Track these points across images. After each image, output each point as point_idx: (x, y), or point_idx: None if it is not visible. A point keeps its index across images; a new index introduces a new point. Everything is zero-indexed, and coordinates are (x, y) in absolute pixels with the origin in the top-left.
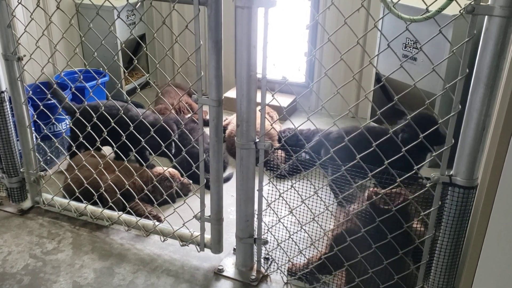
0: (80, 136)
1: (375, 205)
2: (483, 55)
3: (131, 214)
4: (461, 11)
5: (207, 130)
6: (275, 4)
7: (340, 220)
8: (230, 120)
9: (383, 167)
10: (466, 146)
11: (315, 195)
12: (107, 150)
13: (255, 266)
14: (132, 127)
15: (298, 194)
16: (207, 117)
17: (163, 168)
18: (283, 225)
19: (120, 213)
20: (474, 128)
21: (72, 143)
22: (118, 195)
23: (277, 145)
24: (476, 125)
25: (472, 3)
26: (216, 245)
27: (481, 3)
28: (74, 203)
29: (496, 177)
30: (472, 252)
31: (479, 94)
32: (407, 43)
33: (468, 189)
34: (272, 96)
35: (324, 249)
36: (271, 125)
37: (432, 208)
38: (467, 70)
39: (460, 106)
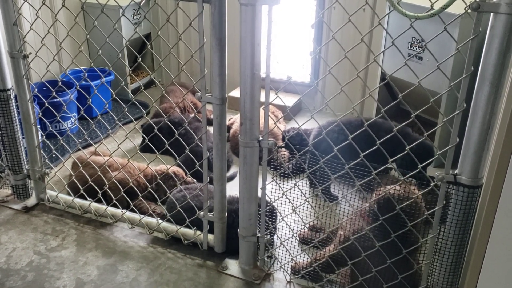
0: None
1: (383, 205)
2: (488, 53)
3: (135, 212)
4: (466, 9)
5: (211, 129)
6: (279, 1)
7: (349, 221)
8: (235, 119)
9: (387, 164)
10: (471, 145)
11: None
12: (111, 148)
13: (258, 264)
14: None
15: (302, 192)
16: (212, 116)
17: (166, 166)
18: (286, 224)
19: (124, 210)
20: (479, 127)
21: None
22: (122, 193)
23: (281, 144)
24: (481, 123)
25: (478, 0)
26: (219, 243)
27: (486, 0)
28: (78, 201)
29: (502, 176)
30: (477, 252)
31: (484, 92)
32: (412, 42)
33: (473, 188)
34: (276, 94)
35: (331, 248)
36: (275, 123)
37: (437, 207)
38: (472, 68)
39: (465, 105)
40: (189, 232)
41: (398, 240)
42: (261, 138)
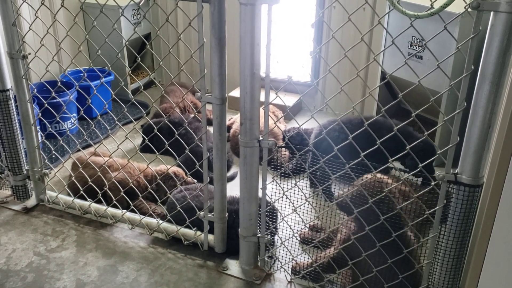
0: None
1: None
2: (488, 52)
3: (135, 212)
4: (466, 7)
5: (211, 129)
6: (279, 1)
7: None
8: (235, 119)
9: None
10: (472, 144)
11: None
12: (111, 149)
13: (259, 264)
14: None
15: (302, 192)
16: (212, 116)
17: (166, 166)
18: (287, 224)
19: (124, 211)
20: (479, 126)
21: None
22: (122, 193)
23: (281, 144)
24: (482, 122)
25: None
26: (220, 244)
27: None
28: (78, 201)
29: (502, 175)
30: (478, 252)
31: (484, 91)
32: (413, 42)
33: (474, 187)
34: (276, 94)
35: (331, 249)
36: (275, 123)
37: (437, 207)
38: (473, 67)
39: (465, 104)
40: (190, 232)
41: (394, 240)
42: (261, 138)
